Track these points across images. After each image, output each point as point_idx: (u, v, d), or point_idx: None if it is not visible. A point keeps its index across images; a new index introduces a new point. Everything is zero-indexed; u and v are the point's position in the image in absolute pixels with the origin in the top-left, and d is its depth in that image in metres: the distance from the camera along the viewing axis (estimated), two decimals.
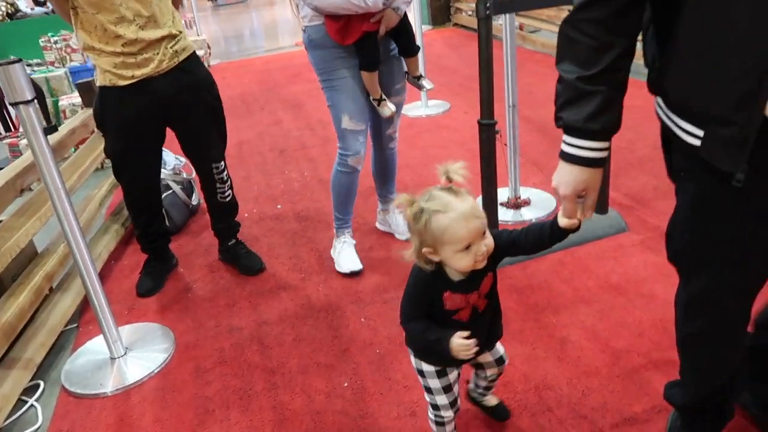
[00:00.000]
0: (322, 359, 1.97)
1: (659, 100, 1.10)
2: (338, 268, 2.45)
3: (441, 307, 1.27)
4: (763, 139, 0.91)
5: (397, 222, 2.68)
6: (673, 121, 1.06)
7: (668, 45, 1.00)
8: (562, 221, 1.19)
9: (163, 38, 2.09)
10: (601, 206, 2.51)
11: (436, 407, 1.43)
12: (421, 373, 1.40)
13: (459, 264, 1.21)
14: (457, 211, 1.16)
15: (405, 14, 2.25)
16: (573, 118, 1.06)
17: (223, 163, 2.42)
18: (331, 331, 2.11)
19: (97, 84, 2.15)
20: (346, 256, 2.46)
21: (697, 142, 1.01)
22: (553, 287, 2.17)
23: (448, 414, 1.43)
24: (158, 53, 2.09)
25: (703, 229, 1.13)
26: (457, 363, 1.35)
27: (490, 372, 1.50)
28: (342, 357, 1.97)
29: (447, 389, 1.40)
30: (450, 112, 4.35)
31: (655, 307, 2.01)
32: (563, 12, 5.51)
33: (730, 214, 1.07)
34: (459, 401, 1.46)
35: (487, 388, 1.60)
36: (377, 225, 2.77)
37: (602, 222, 2.49)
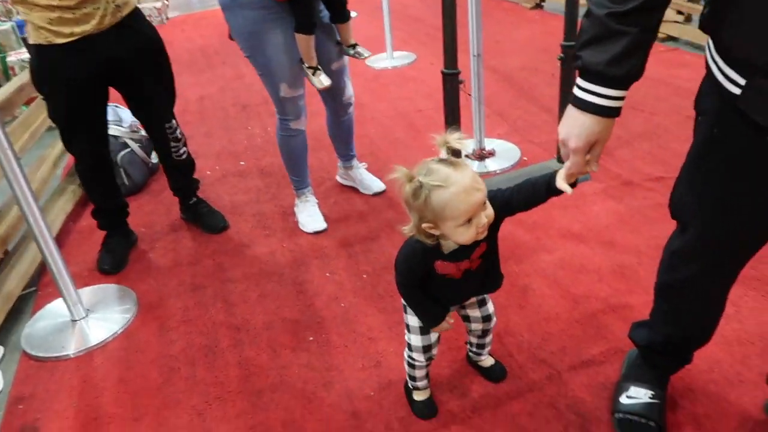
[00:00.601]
0: (288, 314, 1.97)
1: (709, 40, 1.03)
2: (302, 228, 2.42)
3: (434, 272, 1.28)
4: None
5: (362, 177, 2.64)
6: (717, 65, 1.00)
7: None
8: (561, 185, 1.13)
9: None
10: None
11: (410, 347, 1.46)
12: (405, 308, 1.42)
13: (461, 238, 1.18)
14: (457, 185, 1.12)
15: None
16: (594, 60, 0.97)
17: (174, 121, 2.33)
18: (296, 286, 2.11)
19: (30, 42, 1.97)
20: (309, 215, 2.43)
21: (736, 90, 0.96)
22: (516, 237, 2.19)
23: (419, 357, 1.45)
24: (99, 9, 1.93)
25: (713, 188, 1.09)
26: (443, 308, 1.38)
27: (475, 326, 1.51)
28: (307, 312, 1.98)
29: (423, 331, 1.41)
30: (416, 63, 4.27)
31: (615, 254, 2.05)
32: None
33: (748, 176, 1.03)
34: (434, 351, 1.47)
35: (480, 346, 1.60)
36: (338, 179, 2.73)
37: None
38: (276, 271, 2.20)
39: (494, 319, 1.52)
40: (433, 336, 1.44)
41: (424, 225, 1.19)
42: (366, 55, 2.30)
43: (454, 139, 1.17)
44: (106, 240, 2.39)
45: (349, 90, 2.38)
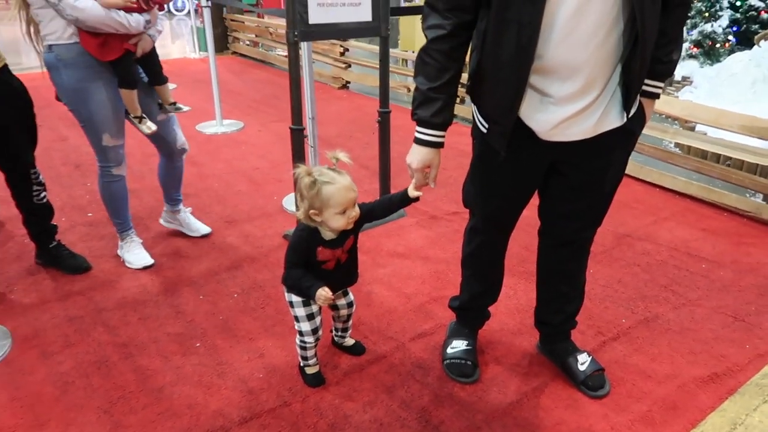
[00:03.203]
0: (171, 330, 2.23)
1: (471, 100, 1.69)
2: (129, 266, 2.66)
3: (315, 258, 1.73)
4: (514, 135, 1.54)
5: (189, 220, 2.95)
6: (475, 113, 1.67)
7: (477, 69, 1.57)
8: (413, 193, 1.72)
9: None
10: None
11: (301, 333, 1.86)
12: (291, 304, 1.83)
13: (336, 224, 1.67)
14: (340, 184, 1.65)
15: (153, 46, 2.47)
16: (424, 114, 1.55)
17: (36, 167, 2.50)
18: (173, 308, 2.37)
19: None
20: (135, 254, 2.68)
21: (484, 130, 1.63)
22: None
23: (310, 340, 1.86)
24: None
25: (480, 181, 1.76)
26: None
27: (343, 312, 1.98)
28: (189, 326, 2.26)
29: (310, 317, 1.83)
30: (244, 130, 4.74)
31: (431, 264, 2.71)
32: (335, 46, 6.31)
33: (497, 173, 1.70)
34: (320, 332, 1.88)
35: (344, 330, 2.06)
36: (162, 222, 3.01)
37: None
38: (151, 299, 2.44)
39: (354, 305, 2.02)
40: (318, 320, 1.87)
41: (311, 211, 1.67)
42: (185, 109, 2.72)
43: (343, 155, 1.70)
44: None
45: (181, 137, 2.73)
